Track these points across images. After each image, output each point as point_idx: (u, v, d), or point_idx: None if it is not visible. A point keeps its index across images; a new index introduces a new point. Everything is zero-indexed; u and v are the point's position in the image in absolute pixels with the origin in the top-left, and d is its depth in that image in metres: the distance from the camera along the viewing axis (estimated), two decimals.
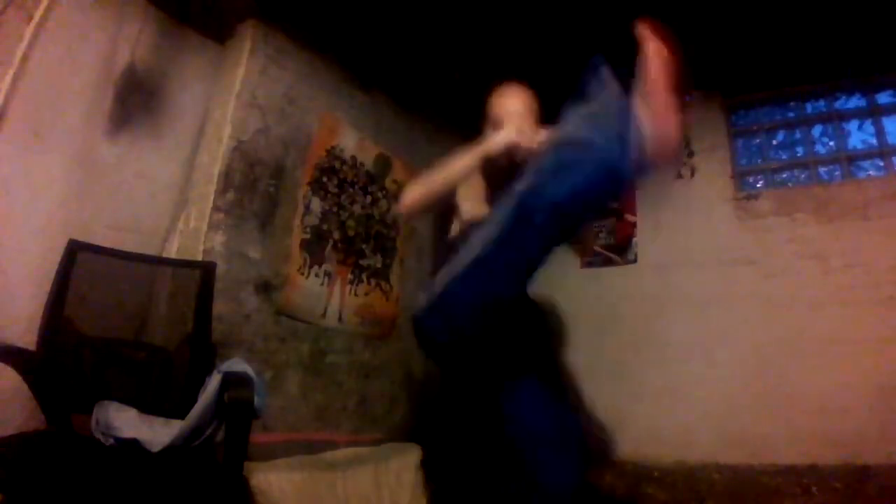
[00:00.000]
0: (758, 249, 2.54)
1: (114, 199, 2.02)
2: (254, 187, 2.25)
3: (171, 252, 2.11)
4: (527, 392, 1.27)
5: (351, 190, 2.70)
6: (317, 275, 2.46)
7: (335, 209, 2.60)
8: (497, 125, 1.51)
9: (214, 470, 1.42)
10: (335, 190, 2.61)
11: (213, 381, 1.48)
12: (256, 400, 1.40)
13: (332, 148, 2.63)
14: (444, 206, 1.49)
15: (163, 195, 2.19)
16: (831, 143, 2.76)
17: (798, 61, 2.67)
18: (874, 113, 2.59)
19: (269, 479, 1.72)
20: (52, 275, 1.54)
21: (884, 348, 2.13)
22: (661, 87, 1.04)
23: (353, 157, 2.73)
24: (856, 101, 2.67)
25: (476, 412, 1.46)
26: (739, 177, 2.81)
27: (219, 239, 2.10)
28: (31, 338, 1.48)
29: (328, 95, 2.65)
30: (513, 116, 1.50)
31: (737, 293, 2.53)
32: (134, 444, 1.36)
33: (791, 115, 2.85)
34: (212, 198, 2.10)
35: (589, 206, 1.16)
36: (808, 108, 2.82)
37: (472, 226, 1.40)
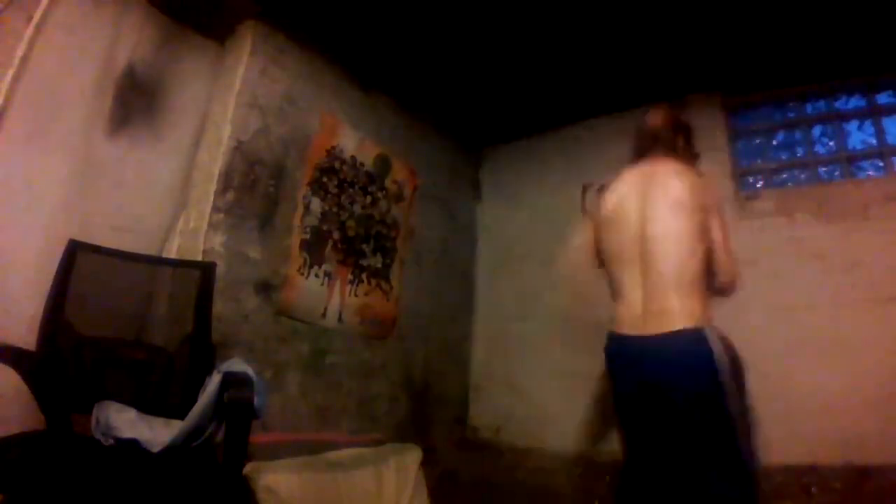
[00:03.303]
0: (758, 249, 2.53)
1: (114, 199, 2.02)
2: (254, 187, 2.25)
3: (171, 252, 2.12)
4: None
5: (351, 190, 2.70)
6: (317, 275, 2.46)
7: (335, 209, 2.60)
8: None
9: (214, 470, 1.42)
10: (335, 190, 2.61)
11: (213, 381, 1.48)
12: (256, 400, 1.39)
13: (332, 148, 2.63)
14: None
15: (163, 195, 2.19)
16: (831, 143, 2.76)
17: (798, 61, 2.66)
18: (874, 113, 2.59)
19: (276, 478, 1.72)
20: (52, 275, 1.53)
21: (884, 348, 2.13)
22: None
23: (353, 158, 2.73)
24: (856, 101, 2.67)
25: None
26: (739, 177, 2.80)
27: (219, 239, 2.10)
28: (31, 338, 1.48)
29: (328, 95, 2.65)
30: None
31: (736, 293, 2.52)
32: (134, 445, 1.36)
33: (791, 115, 2.84)
34: (212, 198, 2.11)
35: None
36: (808, 108, 2.81)
37: None
